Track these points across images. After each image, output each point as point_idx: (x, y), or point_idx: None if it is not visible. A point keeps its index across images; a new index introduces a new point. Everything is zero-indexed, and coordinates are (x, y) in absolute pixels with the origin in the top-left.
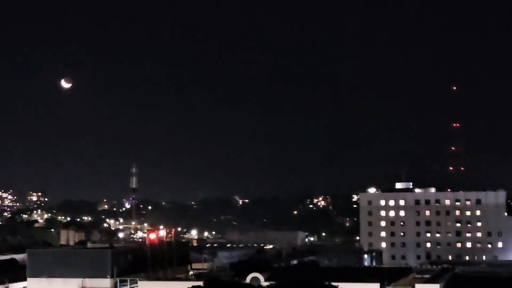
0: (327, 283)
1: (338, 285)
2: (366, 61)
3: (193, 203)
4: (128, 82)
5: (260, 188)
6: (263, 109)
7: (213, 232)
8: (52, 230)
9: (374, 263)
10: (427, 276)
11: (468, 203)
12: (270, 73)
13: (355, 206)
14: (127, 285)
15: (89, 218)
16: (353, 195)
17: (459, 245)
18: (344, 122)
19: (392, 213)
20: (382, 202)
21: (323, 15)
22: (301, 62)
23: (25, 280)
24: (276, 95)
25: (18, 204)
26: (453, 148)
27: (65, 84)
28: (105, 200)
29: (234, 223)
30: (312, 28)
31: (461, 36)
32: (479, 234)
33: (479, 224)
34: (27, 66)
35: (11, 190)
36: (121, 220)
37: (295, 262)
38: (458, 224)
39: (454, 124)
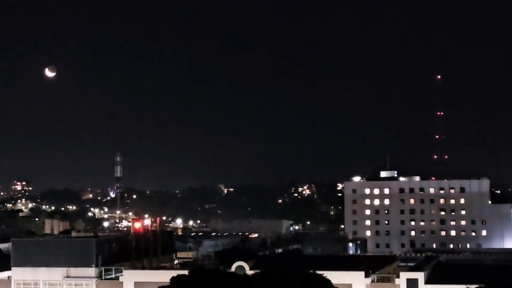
0: (312, 271)
1: (323, 273)
2: (348, 50)
3: (177, 191)
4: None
5: (244, 176)
6: (246, 97)
7: (198, 221)
8: (37, 219)
9: (358, 252)
10: (412, 264)
11: (452, 191)
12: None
13: (339, 194)
14: (112, 274)
15: (74, 207)
16: (338, 184)
17: (443, 233)
18: (328, 111)
19: (376, 202)
20: (367, 191)
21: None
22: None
23: (10, 269)
24: (257, 86)
25: (2, 193)
26: (437, 136)
27: (49, 73)
28: (89, 189)
29: (219, 211)
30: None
31: (445, 25)
32: (463, 222)
33: (463, 212)
34: (10, 57)
35: None
36: (106, 209)
37: (280, 250)
38: (442, 213)
39: (438, 113)
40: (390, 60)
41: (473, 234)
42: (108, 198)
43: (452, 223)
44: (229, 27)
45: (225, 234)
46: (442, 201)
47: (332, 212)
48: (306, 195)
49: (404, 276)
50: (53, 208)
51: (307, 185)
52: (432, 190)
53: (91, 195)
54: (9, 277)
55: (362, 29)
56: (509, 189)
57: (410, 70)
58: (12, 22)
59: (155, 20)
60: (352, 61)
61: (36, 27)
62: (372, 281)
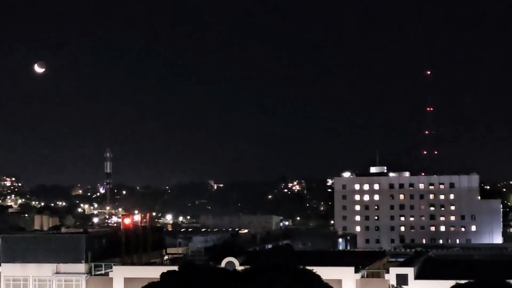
0: (301, 267)
1: (312, 269)
2: (340, 44)
3: (167, 187)
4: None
5: (234, 172)
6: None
7: (188, 217)
8: (26, 215)
9: (348, 247)
10: (401, 259)
11: (441, 187)
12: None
13: (329, 190)
14: (102, 270)
15: (63, 203)
16: (328, 179)
17: (433, 228)
18: (319, 107)
19: (366, 197)
20: (357, 186)
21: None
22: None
23: None
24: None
25: None
26: (426, 132)
27: (38, 69)
28: (79, 185)
29: (209, 207)
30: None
31: (435, 19)
32: (452, 218)
33: (452, 207)
34: (9, 55)
35: None
36: (96, 205)
37: (269, 246)
38: (432, 208)
39: (428, 108)
40: (380, 56)
41: (463, 229)
42: (98, 194)
43: (442, 218)
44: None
45: (215, 230)
46: (431, 196)
47: (322, 208)
48: (296, 190)
49: (394, 271)
50: (42, 204)
51: (297, 181)
52: (421, 186)
53: (80, 191)
54: None
55: (353, 27)
56: (498, 185)
57: (399, 66)
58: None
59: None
60: (342, 58)
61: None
62: (362, 277)
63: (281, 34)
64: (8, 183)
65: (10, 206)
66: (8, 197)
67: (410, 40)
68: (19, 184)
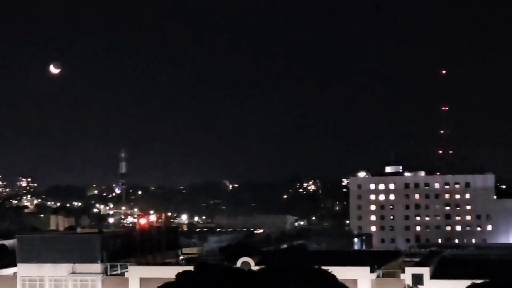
0: (316, 266)
1: (328, 269)
2: (355, 46)
3: (181, 187)
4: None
5: (249, 172)
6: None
7: (203, 217)
8: (42, 215)
9: (363, 247)
10: (416, 259)
11: (457, 186)
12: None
13: (344, 190)
14: (117, 270)
15: (79, 204)
16: (343, 179)
17: (448, 228)
18: (335, 107)
19: (381, 197)
20: (372, 186)
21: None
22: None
23: (15, 265)
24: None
25: (7, 190)
26: (441, 131)
27: (53, 70)
28: (94, 185)
29: (223, 207)
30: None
31: (450, 19)
32: (468, 218)
33: (468, 207)
34: (20, 56)
35: (0, 176)
36: (111, 205)
37: (284, 246)
38: (447, 208)
39: (443, 107)
40: (395, 55)
41: (478, 229)
42: (113, 194)
43: (457, 218)
44: (241, 29)
45: (229, 230)
46: (447, 196)
47: (337, 208)
48: (311, 190)
49: (409, 271)
50: (58, 204)
51: (312, 181)
52: (437, 185)
53: (96, 191)
54: (14, 274)
55: (367, 26)
56: None
57: (415, 65)
58: (24, 23)
59: (167, 21)
60: (357, 57)
61: (49, 27)
62: (378, 276)
63: (294, 34)
64: (23, 184)
65: (26, 207)
66: (24, 197)
67: (425, 38)
68: (35, 185)
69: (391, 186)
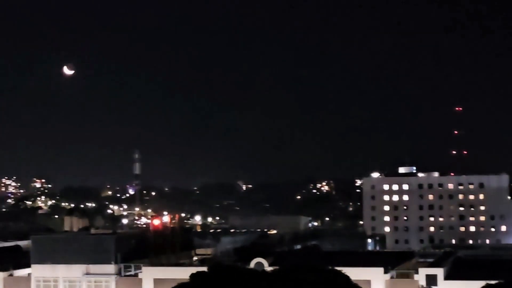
0: (330, 267)
1: (341, 270)
2: (369, 46)
3: (195, 188)
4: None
5: (263, 173)
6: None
7: (217, 218)
8: (56, 216)
9: (377, 248)
10: (430, 260)
11: (471, 187)
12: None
13: (358, 190)
14: (131, 270)
15: (93, 205)
16: (356, 180)
17: (462, 229)
18: (347, 107)
19: (395, 198)
20: (386, 187)
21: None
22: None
23: (29, 266)
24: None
25: (21, 191)
26: (455, 132)
27: (67, 71)
28: (108, 186)
29: (237, 208)
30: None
31: (462, 22)
32: (482, 218)
33: (482, 208)
34: (30, 57)
35: (14, 177)
36: (125, 206)
37: (298, 247)
38: (461, 208)
39: (457, 108)
40: (407, 55)
41: (492, 229)
42: (127, 195)
43: (471, 218)
44: (238, 29)
45: (243, 230)
46: (461, 196)
47: (351, 208)
48: (324, 191)
49: (423, 272)
50: (72, 205)
51: (325, 181)
52: (451, 186)
53: (110, 192)
54: (29, 275)
55: (379, 24)
56: None
57: (428, 66)
58: (30, 23)
59: (167, 21)
60: (369, 57)
61: (53, 28)
62: (391, 277)
63: (310, 34)
64: (38, 185)
65: (40, 208)
66: (38, 198)
67: (439, 37)
68: (49, 186)
69: (405, 187)
